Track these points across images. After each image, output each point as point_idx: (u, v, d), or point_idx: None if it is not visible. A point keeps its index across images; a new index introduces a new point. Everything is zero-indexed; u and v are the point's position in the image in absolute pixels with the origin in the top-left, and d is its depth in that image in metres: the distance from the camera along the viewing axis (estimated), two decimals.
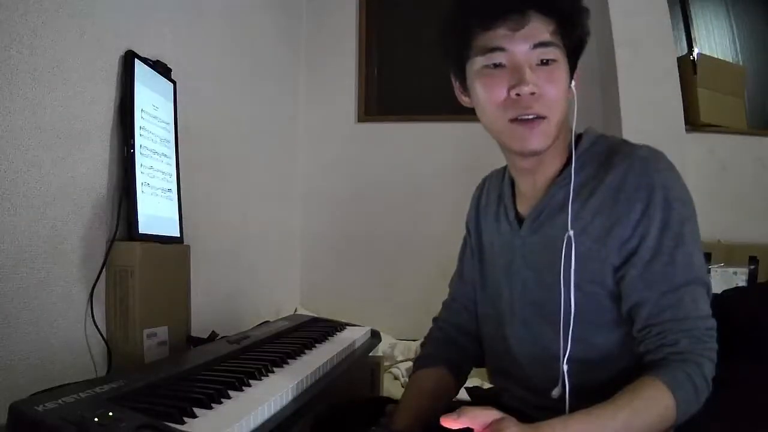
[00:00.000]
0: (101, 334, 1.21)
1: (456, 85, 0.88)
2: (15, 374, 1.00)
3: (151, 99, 1.39)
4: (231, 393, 0.81)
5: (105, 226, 1.25)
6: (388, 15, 2.96)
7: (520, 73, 0.76)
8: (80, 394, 0.69)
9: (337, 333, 1.43)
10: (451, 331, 1.03)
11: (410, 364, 2.22)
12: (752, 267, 2.08)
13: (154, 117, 1.40)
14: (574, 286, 0.77)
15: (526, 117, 0.77)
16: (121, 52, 1.32)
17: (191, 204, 1.55)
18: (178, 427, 0.66)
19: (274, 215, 2.48)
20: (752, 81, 2.90)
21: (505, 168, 0.98)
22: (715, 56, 2.85)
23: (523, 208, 0.90)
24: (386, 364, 2.10)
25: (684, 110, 2.46)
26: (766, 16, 3.02)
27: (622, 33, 2.42)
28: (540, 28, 0.77)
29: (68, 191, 1.16)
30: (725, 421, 0.77)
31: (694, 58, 2.70)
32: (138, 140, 1.30)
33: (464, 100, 0.87)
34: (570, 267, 0.78)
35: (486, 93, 0.79)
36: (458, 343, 1.02)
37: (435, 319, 1.08)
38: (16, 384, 0.99)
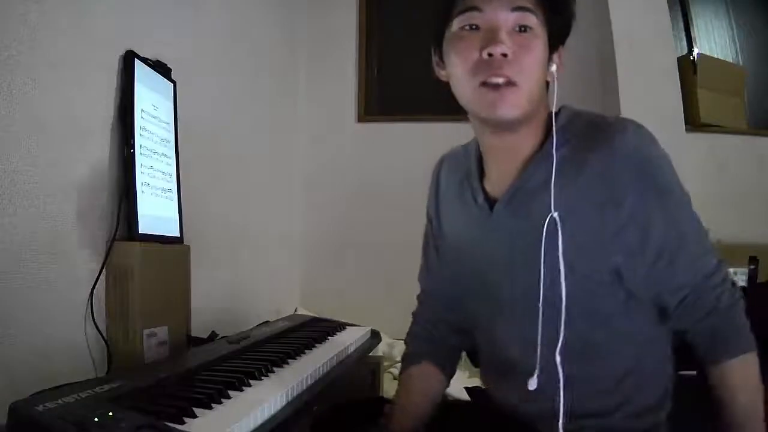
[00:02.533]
0: (101, 334, 1.21)
1: (434, 59, 0.85)
2: (15, 374, 1.00)
3: (151, 99, 1.39)
4: (231, 393, 0.81)
5: (105, 226, 1.25)
6: (388, 15, 2.96)
7: (494, 34, 0.73)
8: (80, 394, 0.69)
9: (337, 333, 1.43)
10: (428, 325, 1.02)
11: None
12: (752, 267, 2.08)
13: (154, 117, 1.40)
14: (566, 270, 0.75)
15: (496, 81, 0.73)
16: (121, 52, 1.32)
17: (191, 204, 1.55)
18: (178, 427, 0.66)
19: (274, 215, 2.48)
20: (752, 81, 2.90)
21: (466, 147, 0.95)
22: (715, 56, 2.85)
23: (494, 189, 0.85)
24: (386, 364, 2.10)
25: (684, 110, 2.46)
26: (766, 16, 3.02)
27: (622, 33, 2.42)
28: None
29: (68, 191, 1.16)
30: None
31: (694, 58, 2.70)
32: (138, 140, 1.30)
33: (441, 74, 0.84)
34: (558, 249, 0.75)
35: (457, 57, 0.76)
36: (437, 337, 1.00)
37: (413, 314, 1.07)
38: (16, 384, 0.99)
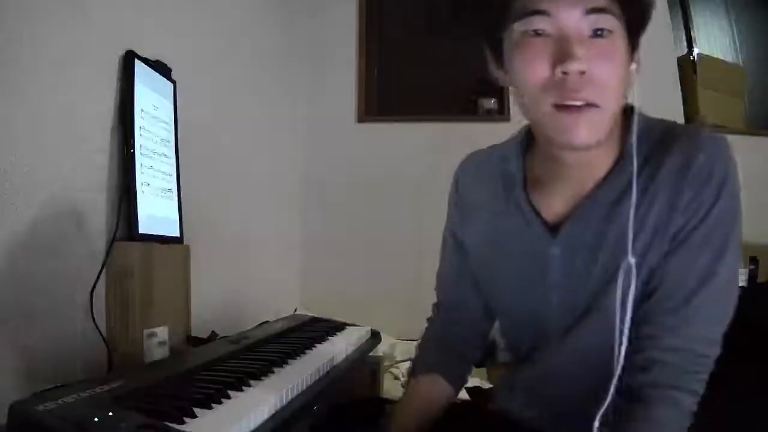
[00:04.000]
0: (101, 334, 1.21)
1: (489, 57, 0.73)
2: (15, 374, 1.00)
3: (151, 99, 1.39)
4: (231, 393, 0.81)
5: (105, 226, 1.25)
6: (388, 15, 2.96)
7: (567, 46, 0.61)
8: (80, 394, 0.69)
9: (337, 333, 1.43)
10: (448, 336, 0.94)
11: (410, 364, 2.22)
12: (752, 267, 2.08)
13: (154, 117, 1.40)
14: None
15: (574, 103, 0.62)
16: (121, 52, 1.32)
17: (191, 204, 1.55)
18: (178, 427, 0.66)
19: (274, 215, 2.48)
20: (752, 81, 2.90)
21: (493, 152, 0.85)
22: (715, 56, 2.86)
23: (549, 208, 0.76)
24: (386, 364, 2.10)
25: (684, 110, 2.46)
26: (766, 16, 3.02)
27: None
28: None
29: (68, 191, 1.16)
30: (719, 420, 0.76)
31: (694, 58, 2.70)
32: (138, 140, 1.30)
33: (499, 77, 0.72)
34: (628, 297, 0.66)
35: (524, 68, 0.64)
36: (455, 349, 0.93)
37: (429, 320, 1.00)
38: (16, 384, 0.99)
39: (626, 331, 0.65)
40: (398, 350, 2.31)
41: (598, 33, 0.63)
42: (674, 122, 0.74)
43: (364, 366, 1.60)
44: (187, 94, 1.57)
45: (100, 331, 1.20)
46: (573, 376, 0.77)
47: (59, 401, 0.65)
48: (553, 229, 0.76)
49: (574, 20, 0.62)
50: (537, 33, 0.64)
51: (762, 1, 3.03)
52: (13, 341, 1.01)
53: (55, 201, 1.13)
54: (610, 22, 0.63)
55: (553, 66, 0.62)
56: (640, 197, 0.68)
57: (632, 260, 0.65)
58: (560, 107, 0.63)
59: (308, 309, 2.37)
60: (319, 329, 1.41)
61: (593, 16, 0.62)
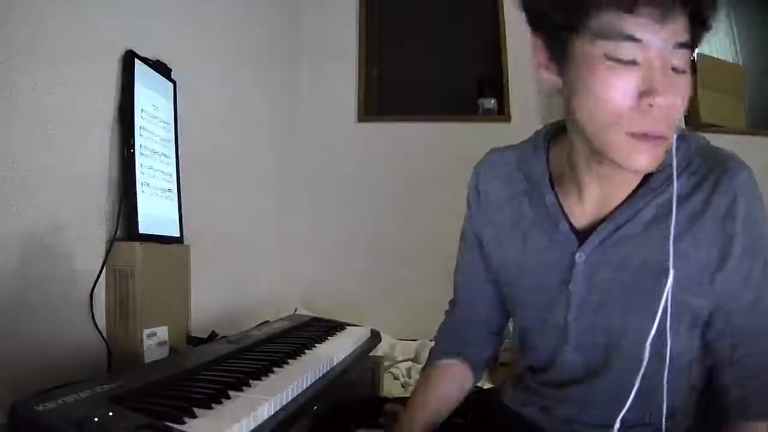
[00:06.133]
0: (101, 334, 1.21)
1: (541, 53, 0.70)
2: (15, 374, 1.00)
3: (151, 99, 1.39)
4: (231, 393, 0.81)
5: (105, 226, 1.25)
6: (388, 15, 2.96)
7: (655, 79, 0.61)
8: (80, 394, 0.69)
9: (337, 333, 1.43)
10: (463, 333, 0.93)
11: (410, 364, 2.22)
12: None
13: (154, 117, 1.40)
14: (659, 322, 0.68)
15: (652, 134, 0.62)
16: (121, 52, 1.32)
17: (191, 204, 1.55)
18: (178, 427, 0.66)
19: (274, 215, 2.48)
20: (752, 81, 2.90)
21: (515, 153, 0.84)
22: (715, 56, 2.86)
23: (580, 214, 0.76)
24: (386, 364, 2.10)
25: (684, 110, 2.46)
26: (766, 16, 3.02)
27: None
28: (681, 24, 0.61)
29: (68, 191, 1.16)
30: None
31: (694, 58, 2.70)
32: (138, 140, 1.30)
33: (547, 76, 0.70)
34: (666, 309, 0.68)
35: (606, 94, 0.62)
36: (476, 338, 0.93)
37: (448, 312, 0.99)
38: (16, 384, 0.99)
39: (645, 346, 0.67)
40: (398, 350, 2.31)
41: (674, 69, 0.63)
42: (707, 144, 0.75)
43: (364, 366, 1.60)
44: (187, 94, 1.57)
45: (100, 331, 1.20)
46: (587, 388, 0.78)
47: (59, 401, 0.65)
48: (580, 233, 0.76)
49: (664, 53, 0.61)
50: (621, 59, 0.61)
51: (762, 1, 3.03)
52: (12, 341, 1.01)
53: (54, 201, 1.12)
54: (687, 57, 0.63)
55: (640, 96, 0.61)
56: (687, 227, 0.69)
57: (672, 271, 0.67)
58: (635, 135, 0.63)
59: (308, 309, 2.37)
60: (319, 329, 1.41)
61: (680, 51, 0.62)
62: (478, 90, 2.79)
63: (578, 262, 0.75)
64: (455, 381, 0.91)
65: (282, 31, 2.62)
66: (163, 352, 1.29)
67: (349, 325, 1.56)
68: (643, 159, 0.64)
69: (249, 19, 2.20)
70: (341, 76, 2.86)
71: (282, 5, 2.61)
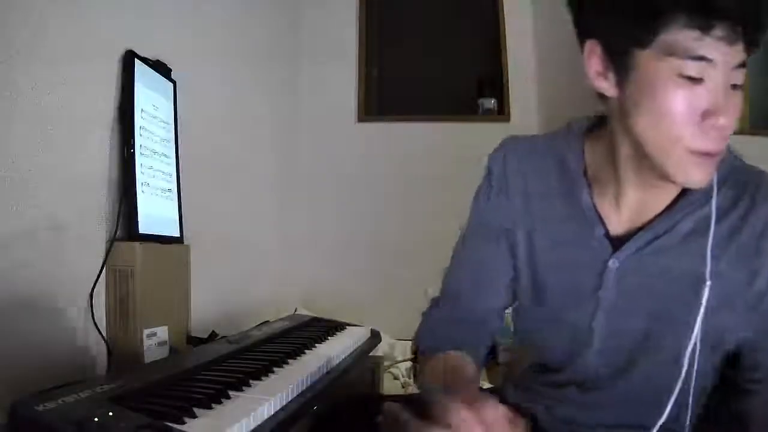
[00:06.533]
0: (101, 334, 1.21)
1: (597, 60, 0.68)
2: (15, 374, 1.00)
3: (151, 99, 1.39)
4: (231, 393, 0.81)
5: (105, 226, 1.25)
6: (388, 15, 2.96)
7: (719, 98, 0.61)
8: (80, 394, 0.69)
9: (337, 333, 1.43)
10: (464, 325, 0.86)
11: (410, 364, 2.22)
12: None
13: (154, 117, 1.40)
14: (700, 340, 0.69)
15: (713, 153, 0.63)
16: (121, 52, 1.32)
17: (191, 204, 1.55)
18: (178, 427, 0.66)
19: (274, 215, 2.48)
20: (752, 81, 2.89)
21: (546, 144, 0.81)
22: None
23: (617, 219, 0.75)
24: (386, 364, 2.10)
25: None
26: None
27: None
28: (741, 44, 0.62)
29: (68, 191, 1.16)
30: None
31: None
32: (138, 140, 1.30)
33: (601, 84, 0.69)
34: (696, 320, 0.68)
35: (673, 110, 0.62)
36: (471, 338, 0.86)
37: (430, 312, 0.92)
38: (16, 384, 0.99)
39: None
40: (398, 350, 2.31)
41: (733, 87, 0.64)
42: (747, 165, 0.75)
43: (364, 366, 1.60)
44: (187, 94, 1.57)
45: (100, 331, 1.20)
46: (599, 391, 0.77)
47: (59, 401, 0.65)
48: (614, 239, 0.74)
49: (728, 72, 0.62)
50: (690, 77, 0.61)
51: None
52: (12, 341, 1.01)
53: (54, 201, 1.12)
54: (743, 75, 0.64)
55: (704, 115, 0.62)
56: (723, 245, 0.69)
57: (709, 282, 0.67)
58: (695, 152, 0.63)
59: (308, 309, 2.37)
60: (319, 329, 1.41)
61: (741, 71, 0.63)
62: (478, 90, 2.78)
63: (611, 268, 0.74)
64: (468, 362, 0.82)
65: (282, 31, 2.62)
66: (163, 352, 1.29)
67: (349, 325, 1.56)
68: (700, 175, 0.65)
69: (249, 19, 2.20)
70: (341, 76, 2.86)
71: (282, 5, 2.61)
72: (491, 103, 2.75)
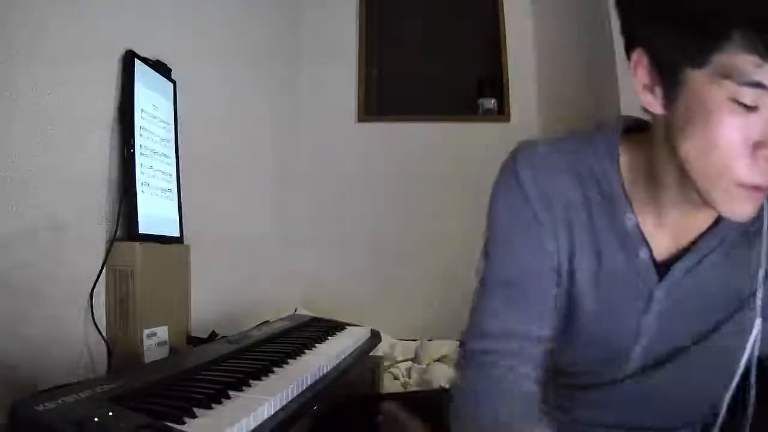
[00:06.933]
0: (101, 334, 1.21)
1: (644, 72, 0.62)
2: (15, 374, 1.00)
3: (151, 99, 1.39)
4: (231, 393, 0.81)
5: (105, 226, 1.25)
6: (388, 15, 2.96)
7: None
8: (80, 394, 0.69)
9: (337, 333, 1.43)
10: (508, 382, 0.69)
11: (410, 364, 2.22)
12: None
13: (154, 117, 1.40)
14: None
15: (762, 186, 0.58)
16: (121, 52, 1.32)
17: (191, 204, 1.55)
18: (178, 427, 0.66)
19: (274, 215, 2.48)
20: None
21: (574, 153, 0.71)
22: None
23: (658, 242, 0.70)
24: (386, 364, 2.10)
25: None
26: None
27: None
28: None
29: (68, 191, 1.16)
30: None
31: None
32: (138, 140, 1.30)
33: (647, 99, 0.63)
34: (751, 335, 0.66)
35: (724, 138, 0.57)
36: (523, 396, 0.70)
37: (470, 361, 0.72)
38: (17, 384, 0.99)
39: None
40: (398, 350, 2.31)
41: None
42: None
43: (364, 366, 1.60)
44: (187, 94, 1.57)
45: (100, 331, 1.20)
46: (628, 399, 0.76)
47: (59, 401, 0.65)
48: (659, 264, 0.70)
49: None
50: (745, 104, 0.56)
51: None
52: (12, 341, 1.01)
53: (54, 201, 1.12)
54: None
55: (755, 146, 0.57)
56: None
57: (759, 320, 0.65)
58: (743, 185, 0.59)
59: (308, 309, 2.37)
60: (319, 329, 1.41)
61: None
62: (478, 90, 2.78)
63: (657, 295, 0.69)
64: None
65: (282, 31, 2.62)
66: (163, 352, 1.29)
67: (349, 325, 1.56)
68: (747, 208, 0.60)
69: (249, 19, 2.20)
70: (341, 76, 2.86)
71: (282, 5, 2.61)
72: (491, 103, 2.75)
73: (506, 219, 0.73)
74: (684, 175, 0.62)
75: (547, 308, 0.72)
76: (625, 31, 0.65)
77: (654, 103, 0.62)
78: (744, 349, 0.66)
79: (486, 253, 0.74)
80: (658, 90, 0.61)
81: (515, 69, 2.72)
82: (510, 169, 0.73)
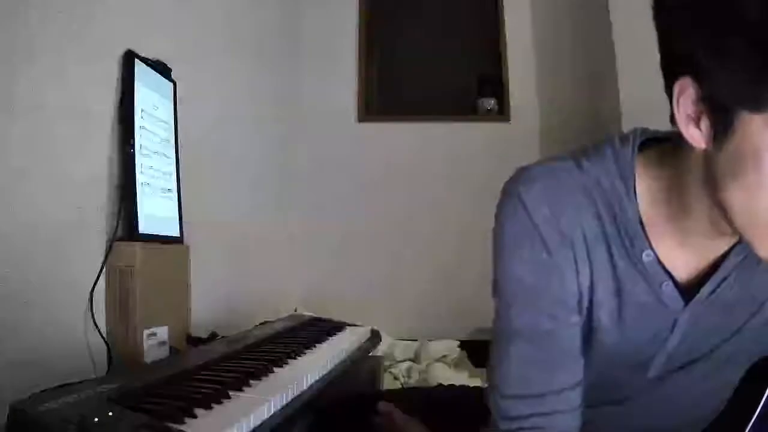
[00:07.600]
0: (101, 334, 1.21)
1: (689, 103, 0.55)
2: (15, 374, 1.00)
3: (151, 99, 1.39)
4: (231, 393, 0.81)
5: (105, 226, 1.25)
6: (389, 15, 2.96)
7: None
8: (80, 394, 0.69)
9: (337, 333, 1.43)
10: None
11: (410, 364, 2.22)
12: None
13: (154, 117, 1.40)
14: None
15: None
16: (121, 52, 1.32)
17: (191, 204, 1.55)
18: (178, 427, 0.66)
19: (274, 215, 2.48)
20: None
21: (580, 173, 0.65)
22: None
23: (680, 268, 0.66)
24: (386, 364, 2.10)
25: None
26: None
27: (623, 32, 2.42)
28: None
29: (68, 191, 1.16)
30: None
31: None
32: (138, 140, 1.30)
33: (691, 133, 0.56)
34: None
35: None
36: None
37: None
38: (17, 384, 0.99)
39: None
40: (398, 350, 2.31)
41: None
42: None
43: (364, 366, 1.60)
44: (187, 93, 1.57)
45: (100, 331, 1.20)
46: (640, 409, 0.76)
47: (59, 401, 0.65)
48: (683, 289, 0.66)
49: None
50: None
51: None
52: (12, 341, 1.01)
53: (55, 201, 1.12)
54: None
55: None
56: None
57: None
58: None
59: (308, 309, 2.37)
60: (319, 329, 1.41)
61: None
62: (478, 90, 2.79)
63: (681, 319, 0.66)
64: None
65: (282, 30, 2.62)
66: (163, 352, 1.29)
67: (349, 325, 1.56)
68: None
69: (249, 19, 2.20)
70: (341, 76, 2.87)
71: (282, 5, 2.61)
72: (491, 103, 2.75)
73: (520, 271, 0.66)
74: (718, 209, 0.58)
75: (572, 356, 0.68)
76: (669, 55, 0.58)
77: (698, 139, 0.56)
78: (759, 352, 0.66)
79: (500, 302, 0.69)
80: (705, 125, 0.55)
81: (515, 69, 2.72)
82: (520, 209, 0.65)
